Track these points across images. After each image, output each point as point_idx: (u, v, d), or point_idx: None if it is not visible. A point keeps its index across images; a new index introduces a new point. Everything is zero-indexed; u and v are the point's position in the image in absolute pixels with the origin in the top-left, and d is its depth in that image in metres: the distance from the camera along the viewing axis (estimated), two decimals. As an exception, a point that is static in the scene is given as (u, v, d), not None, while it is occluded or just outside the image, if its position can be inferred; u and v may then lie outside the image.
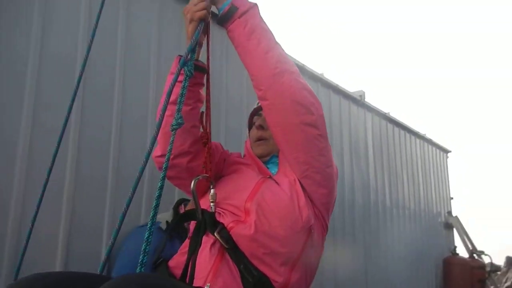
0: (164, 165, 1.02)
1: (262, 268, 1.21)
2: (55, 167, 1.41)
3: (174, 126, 1.07)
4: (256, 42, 1.27)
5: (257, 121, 1.54)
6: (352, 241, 4.15)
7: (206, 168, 1.29)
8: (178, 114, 1.08)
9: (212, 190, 1.29)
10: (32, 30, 1.92)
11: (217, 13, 1.31)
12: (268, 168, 1.46)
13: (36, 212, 1.36)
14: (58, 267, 1.87)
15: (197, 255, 1.17)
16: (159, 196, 0.98)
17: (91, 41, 1.42)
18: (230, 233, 1.21)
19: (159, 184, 0.99)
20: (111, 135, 2.17)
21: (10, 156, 1.79)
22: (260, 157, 1.49)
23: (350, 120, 4.45)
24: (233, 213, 1.27)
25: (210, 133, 1.33)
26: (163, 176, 1.00)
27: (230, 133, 2.83)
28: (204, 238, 1.22)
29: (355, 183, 4.31)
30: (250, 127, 1.60)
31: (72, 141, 2.00)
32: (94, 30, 1.39)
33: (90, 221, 2.03)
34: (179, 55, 1.26)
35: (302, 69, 3.76)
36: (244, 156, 1.56)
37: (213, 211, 1.27)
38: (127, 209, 0.98)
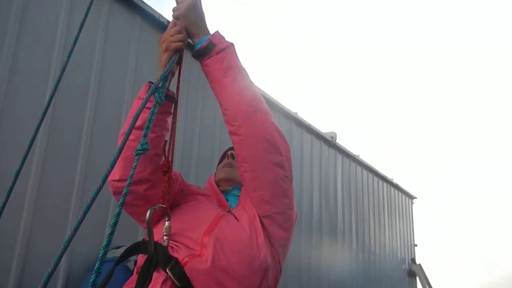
0: (124, 190, 0.97)
1: None
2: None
3: (139, 151, 1.05)
4: (232, 79, 1.31)
5: (229, 153, 1.64)
6: (317, 283, 4.08)
7: (163, 198, 1.23)
8: (144, 139, 1.06)
9: (167, 223, 1.21)
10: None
11: (193, 45, 1.34)
12: (227, 200, 1.45)
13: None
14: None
15: None
16: (115, 223, 0.91)
17: (68, 59, 1.38)
18: (185, 268, 1.15)
19: (116, 211, 0.93)
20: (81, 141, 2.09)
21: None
22: (223, 180, 1.55)
23: (321, 160, 4.49)
24: (188, 247, 1.22)
25: (172, 163, 1.30)
26: (121, 203, 0.95)
27: (201, 161, 2.80)
28: (155, 274, 1.14)
29: (323, 223, 4.30)
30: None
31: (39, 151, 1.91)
32: (71, 51, 1.36)
33: (48, 240, 1.91)
34: (150, 82, 1.29)
35: (277, 106, 3.80)
36: (205, 188, 1.55)
37: (166, 245, 1.20)
38: (75, 233, 0.89)
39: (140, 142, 1.06)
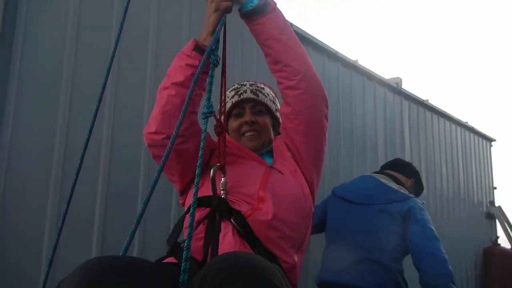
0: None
1: (275, 251, 1.29)
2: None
3: (207, 114, 1.17)
4: (289, 37, 1.41)
5: (245, 114, 1.56)
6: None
7: (220, 156, 1.32)
8: (208, 102, 1.17)
9: (223, 179, 1.30)
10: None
11: (240, 6, 1.39)
12: (263, 159, 1.52)
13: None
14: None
15: (218, 240, 1.20)
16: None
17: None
18: (248, 220, 1.26)
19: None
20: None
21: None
22: (249, 148, 1.54)
23: (386, 108, 4.33)
24: (246, 202, 1.32)
25: (225, 124, 1.38)
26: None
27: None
28: (222, 224, 1.26)
29: (389, 173, 4.22)
30: (227, 117, 1.56)
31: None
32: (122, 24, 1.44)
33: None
34: (194, 40, 1.34)
35: (335, 56, 3.68)
36: (227, 147, 1.47)
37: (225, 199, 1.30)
38: (145, 207, 1.05)
39: (205, 105, 1.18)
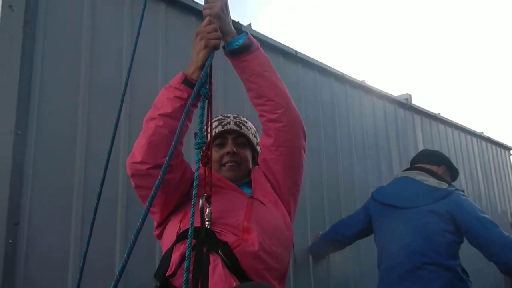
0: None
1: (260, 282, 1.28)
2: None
3: (200, 144, 1.22)
4: (272, 73, 1.50)
5: (227, 145, 1.59)
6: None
7: (206, 187, 1.30)
8: (201, 133, 1.23)
9: (208, 209, 1.30)
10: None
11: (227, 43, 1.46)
12: (243, 190, 1.52)
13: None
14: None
15: (207, 273, 1.20)
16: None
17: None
18: (235, 251, 1.26)
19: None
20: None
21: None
22: (228, 179, 1.55)
23: (397, 125, 4.38)
24: (232, 233, 1.31)
25: (211, 154, 1.37)
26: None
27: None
28: (211, 256, 1.24)
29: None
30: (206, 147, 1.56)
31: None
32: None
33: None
34: (183, 73, 1.37)
35: (342, 77, 3.79)
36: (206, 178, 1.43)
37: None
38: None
39: (199, 136, 1.23)
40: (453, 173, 2.80)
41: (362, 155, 3.81)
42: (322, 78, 3.59)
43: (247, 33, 1.48)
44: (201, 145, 1.22)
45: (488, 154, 6.09)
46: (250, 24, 3.02)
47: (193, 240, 1.16)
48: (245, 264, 1.26)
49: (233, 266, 1.24)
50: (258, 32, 3.04)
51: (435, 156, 2.81)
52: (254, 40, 1.48)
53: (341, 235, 2.88)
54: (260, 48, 1.50)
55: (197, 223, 1.25)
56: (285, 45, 3.26)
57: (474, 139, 5.80)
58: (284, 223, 1.47)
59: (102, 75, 2.19)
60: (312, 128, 3.27)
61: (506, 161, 6.62)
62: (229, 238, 1.29)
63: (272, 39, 3.14)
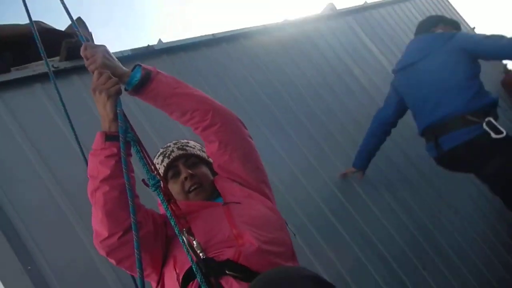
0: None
1: None
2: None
3: (156, 184, 1.24)
4: (183, 86, 1.49)
5: (181, 172, 1.55)
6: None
7: (181, 220, 1.27)
8: (150, 174, 1.26)
9: (195, 242, 1.25)
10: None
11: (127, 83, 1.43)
12: (215, 201, 1.51)
13: None
14: None
15: None
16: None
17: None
18: (240, 261, 1.22)
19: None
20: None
21: None
22: (203, 199, 1.52)
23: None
24: (227, 247, 1.27)
25: (165, 188, 1.33)
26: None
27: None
28: (223, 283, 1.18)
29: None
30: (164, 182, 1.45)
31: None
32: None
33: None
34: (101, 132, 1.30)
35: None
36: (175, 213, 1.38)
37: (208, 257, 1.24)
38: None
39: (149, 178, 1.24)
40: (454, 24, 2.96)
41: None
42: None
43: (139, 65, 1.44)
44: (157, 184, 1.23)
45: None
46: (159, 39, 2.88)
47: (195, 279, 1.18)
48: (254, 264, 1.22)
49: (246, 274, 1.19)
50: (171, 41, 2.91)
51: (427, 21, 2.98)
52: (149, 67, 1.44)
53: (384, 117, 3.00)
54: (159, 71, 1.46)
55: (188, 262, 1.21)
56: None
57: None
58: (268, 208, 1.47)
59: None
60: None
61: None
62: (228, 253, 1.24)
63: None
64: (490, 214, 3.82)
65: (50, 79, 1.56)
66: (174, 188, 1.54)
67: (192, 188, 1.53)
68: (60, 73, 2.34)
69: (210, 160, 1.62)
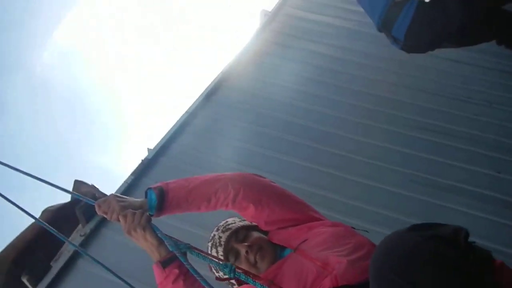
0: None
1: None
2: None
3: (231, 268, 1.28)
4: (195, 182, 1.53)
5: (240, 248, 1.54)
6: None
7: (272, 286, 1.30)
8: (220, 264, 1.30)
9: None
10: None
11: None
12: (283, 254, 1.50)
13: None
14: None
15: None
16: None
17: None
18: (340, 283, 1.23)
19: None
20: None
21: None
22: (273, 264, 1.50)
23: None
24: (323, 279, 1.28)
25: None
26: None
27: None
28: None
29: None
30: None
31: None
32: None
33: None
34: (155, 263, 1.33)
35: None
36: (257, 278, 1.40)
37: None
38: None
39: (221, 269, 1.30)
40: None
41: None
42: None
43: (149, 188, 1.49)
44: (232, 268, 1.27)
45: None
46: (148, 149, 2.96)
47: None
48: (352, 278, 1.23)
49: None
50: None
51: None
52: (158, 184, 1.49)
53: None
54: (167, 182, 1.51)
55: None
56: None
57: None
58: (329, 226, 1.50)
59: None
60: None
61: None
62: (327, 284, 1.25)
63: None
64: None
65: (83, 255, 1.62)
66: (244, 266, 1.53)
67: (257, 257, 1.51)
68: (91, 236, 2.45)
69: (254, 223, 1.63)
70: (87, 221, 2.51)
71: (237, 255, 1.55)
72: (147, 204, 1.46)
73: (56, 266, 2.28)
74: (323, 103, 3.46)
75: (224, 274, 1.31)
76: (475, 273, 0.84)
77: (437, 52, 2.67)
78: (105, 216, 1.42)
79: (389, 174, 2.86)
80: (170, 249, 1.29)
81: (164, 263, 1.31)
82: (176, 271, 1.30)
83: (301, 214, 1.57)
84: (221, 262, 1.32)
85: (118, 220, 1.38)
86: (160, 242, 1.33)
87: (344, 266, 1.25)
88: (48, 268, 2.30)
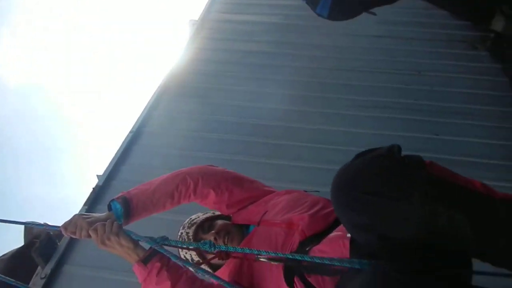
0: None
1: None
2: None
3: (211, 243, 1.35)
4: (152, 181, 1.58)
5: (208, 237, 1.58)
6: None
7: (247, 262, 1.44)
8: (199, 244, 1.37)
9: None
10: None
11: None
12: (250, 229, 1.59)
13: None
14: None
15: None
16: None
17: None
18: (308, 235, 1.38)
19: None
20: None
21: None
22: (240, 240, 1.57)
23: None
24: (292, 237, 1.40)
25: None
26: None
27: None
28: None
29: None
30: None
31: None
32: None
33: None
34: (136, 263, 1.37)
35: None
36: (228, 266, 1.50)
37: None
38: None
39: (202, 248, 1.36)
40: None
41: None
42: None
43: (112, 200, 1.50)
44: (211, 243, 1.35)
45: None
46: (97, 175, 2.90)
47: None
48: (316, 228, 1.39)
49: (321, 237, 1.33)
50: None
51: None
52: (119, 195, 1.51)
53: None
54: (128, 190, 1.53)
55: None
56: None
57: None
58: (284, 195, 1.61)
59: None
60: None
61: None
62: (297, 240, 1.38)
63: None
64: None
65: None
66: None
67: (226, 239, 1.57)
68: (53, 276, 2.37)
69: (217, 212, 1.73)
70: (46, 262, 2.42)
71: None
72: (114, 214, 1.47)
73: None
74: (264, 98, 3.51)
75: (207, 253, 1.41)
76: (412, 169, 1.02)
77: (356, 30, 2.84)
78: (73, 236, 1.43)
79: (334, 154, 2.94)
80: (148, 245, 1.32)
81: (145, 260, 1.35)
82: (158, 264, 1.34)
83: (257, 191, 1.69)
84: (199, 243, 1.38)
85: (88, 236, 1.39)
86: (136, 244, 1.37)
87: (307, 219, 1.40)
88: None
